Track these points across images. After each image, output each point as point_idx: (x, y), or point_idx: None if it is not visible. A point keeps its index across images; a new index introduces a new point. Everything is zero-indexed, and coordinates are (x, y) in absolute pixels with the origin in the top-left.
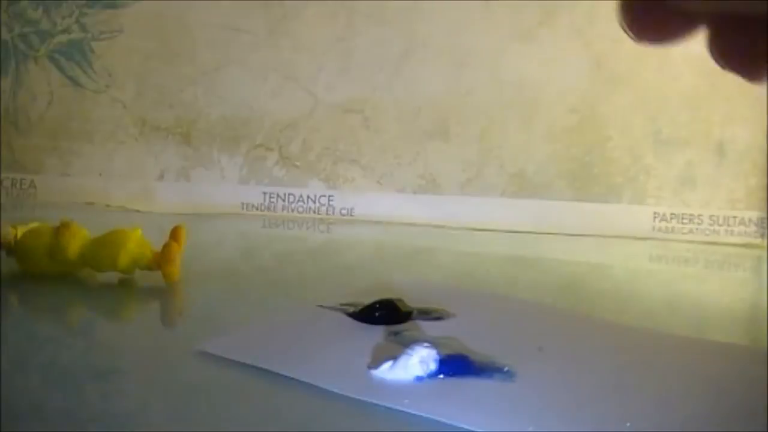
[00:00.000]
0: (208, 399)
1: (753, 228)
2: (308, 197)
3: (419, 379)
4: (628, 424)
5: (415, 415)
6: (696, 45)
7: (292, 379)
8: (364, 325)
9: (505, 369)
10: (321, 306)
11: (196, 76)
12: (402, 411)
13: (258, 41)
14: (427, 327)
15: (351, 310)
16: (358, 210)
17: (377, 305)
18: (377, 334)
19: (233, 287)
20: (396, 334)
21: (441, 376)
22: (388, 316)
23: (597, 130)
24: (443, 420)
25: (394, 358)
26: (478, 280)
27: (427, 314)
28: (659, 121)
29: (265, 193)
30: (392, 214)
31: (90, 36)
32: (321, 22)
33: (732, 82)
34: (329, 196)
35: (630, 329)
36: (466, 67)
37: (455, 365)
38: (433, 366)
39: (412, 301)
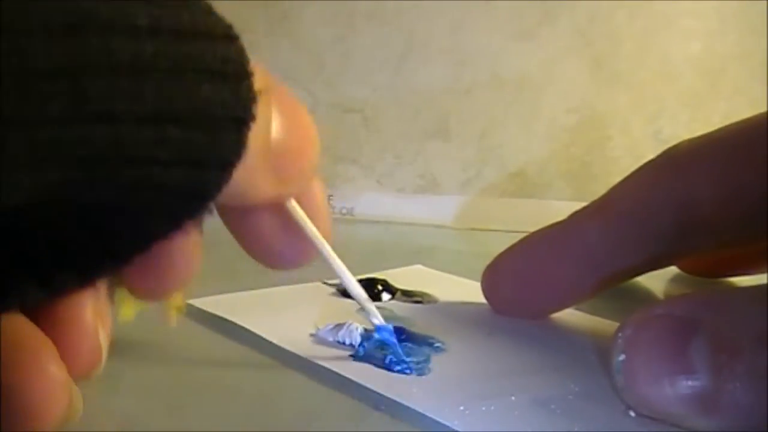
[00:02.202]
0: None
1: None
2: None
3: (350, 345)
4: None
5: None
6: (696, 45)
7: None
8: (343, 299)
9: (436, 345)
10: (325, 282)
11: None
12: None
13: (257, 41)
14: (401, 307)
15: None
16: (358, 209)
17: (361, 282)
18: (349, 307)
19: (229, 283)
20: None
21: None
22: (371, 294)
23: (597, 130)
24: (342, 373)
25: (337, 324)
26: (477, 280)
27: (410, 296)
28: (659, 121)
29: None
30: (392, 213)
31: None
32: (321, 22)
33: (732, 82)
34: (329, 195)
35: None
36: (466, 67)
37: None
38: (358, 338)
39: (402, 284)
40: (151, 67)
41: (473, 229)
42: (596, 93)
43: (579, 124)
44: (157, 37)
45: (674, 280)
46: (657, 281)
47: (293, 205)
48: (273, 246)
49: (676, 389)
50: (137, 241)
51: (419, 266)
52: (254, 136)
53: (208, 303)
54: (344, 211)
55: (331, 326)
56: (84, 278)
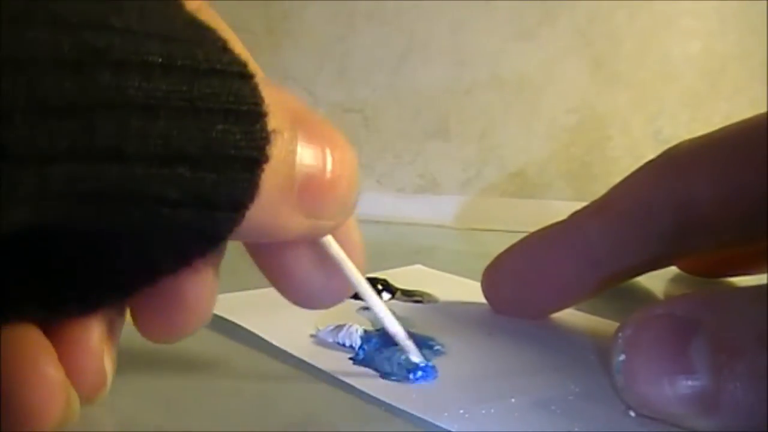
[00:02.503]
0: None
1: None
2: None
3: (351, 347)
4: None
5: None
6: (696, 45)
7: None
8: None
9: (436, 347)
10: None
11: None
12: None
13: (257, 41)
14: (401, 307)
15: None
16: (358, 210)
17: None
18: (349, 307)
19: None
20: (366, 309)
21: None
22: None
23: (597, 130)
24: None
25: (337, 325)
26: (477, 280)
27: (410, 296)
28: (659, 120)
29: None
30: (392, 213)
31: None
32: (321, 21)
33: (732, 82)
34: None
35: (603, 322)
36: (466, 67)
37: (388, 337)
38: (358, 340)
39: (402, 284)
40: (163, 105)
41: (473, 229)
42: (596, 93)
43: (579, 124)
44: (170, 75)
45: (674, 280)
46: (657, 281)
47: (329, 240)
48: (308, 285)
49: (676, 389)
50: (142, 275)
51: (419, 266)
52: (273, 173)
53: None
54: None
55: (331, 327)
56: (85, 305)
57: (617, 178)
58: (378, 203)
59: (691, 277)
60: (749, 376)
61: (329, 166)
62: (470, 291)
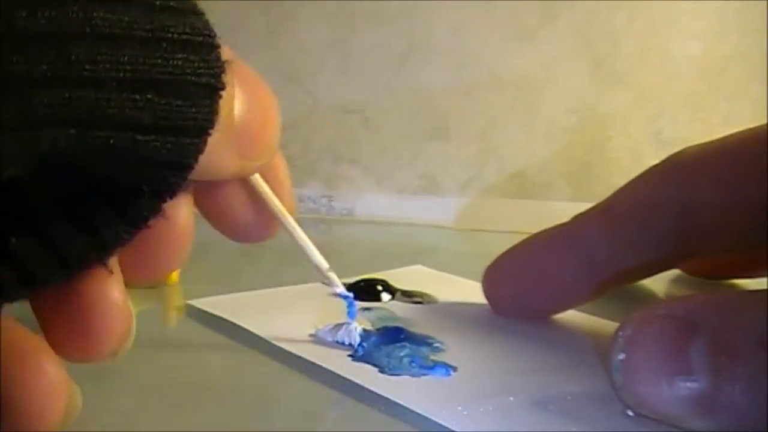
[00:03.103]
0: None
1: None
2: (308, 197)
3: (350, 345)
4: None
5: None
6: (696, 46)
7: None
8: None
9: (435, 345)
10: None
11: None
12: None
13: (257, 41)
14: (401, 307)
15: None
16: (358, 210)
17: (361, 283)
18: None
19: (229, 283)
20: (366, 309)
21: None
22: (365, 293)
23: (597, 130)
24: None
25: (336, 324)
26: (477, 281)
27: (410, 296)
28: (660, 121)
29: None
30: (392, 214)
31: None
32: (321, 22)
33: (732, 82)
34: (329, 196)
35: (602, 323)
36: (466, 68)
37: (388, 336)
38: (357, 338)
39: (402, 284)
40: (128, 36)
41: (473, 230)
42: (596, 93)
43: (579, 125)
44: (131, 9)
45: (675, 281)
46: (658, 282)
47: (257, 179)
48: (239, 220)
49: (675, 390)
50: (122, 229)
51: (419, 266)
52: (222, 103)
53: (208, 303)
54: (344, 211)
55: (330, 326)
56: (70, 270)
57: (617, 179)
58: (378, 204)
59: (692, 279)
60: (748, 378)
61: (258, 107)
62: (470, 291)
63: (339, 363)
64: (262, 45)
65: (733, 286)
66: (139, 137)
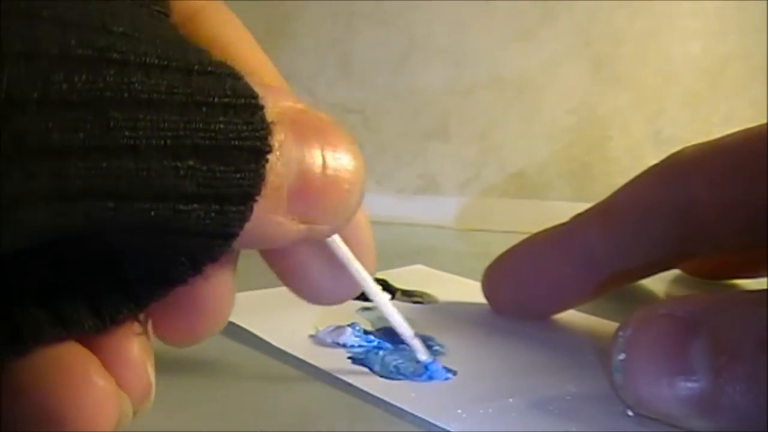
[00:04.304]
0: None
1: None
2: None
3: (350, 347)
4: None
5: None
6: (697, 46)
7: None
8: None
9: (435, 348)
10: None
11: None
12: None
13: (258, 41)
14: (401, 307)
15: None
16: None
17: None
18: (349, 307)
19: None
20: (366, 309)
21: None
22: (365, 293)
23: (597, 130)
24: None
25: (337, 326)
26: (477, 281)
27: (410, 296)
28: (659, 121)
29: None
30: (392, 214)
31: None
32: (320, 22)
33: (732, 82)
34: None
35: (602, 323)
36: (466, 67)
37: (388, 337)
38: (357, 340)
39: (402, 284)
40: (167, 101)
41: (473, 230)
42: (596, 93)
43: (579, 125)
44: (167, 74)
45: (676, 281)
46: (658, 282)
47: (335, 240)
48: (314, 283)
49: (675, 390)
50: (156, 285)
51: (419, 266)
52: (267, 171)
53: None
54: None
55: (331, 328)
56: (103, 320)
57: (617, 179)
58: (378, 203)
59: (692, 279)
60: (748, 379)
61: (322, 168)
62: (470, 291)
63: (338, 366)
64: (262, 45)
65: (733, 286)
66: (181, 207)
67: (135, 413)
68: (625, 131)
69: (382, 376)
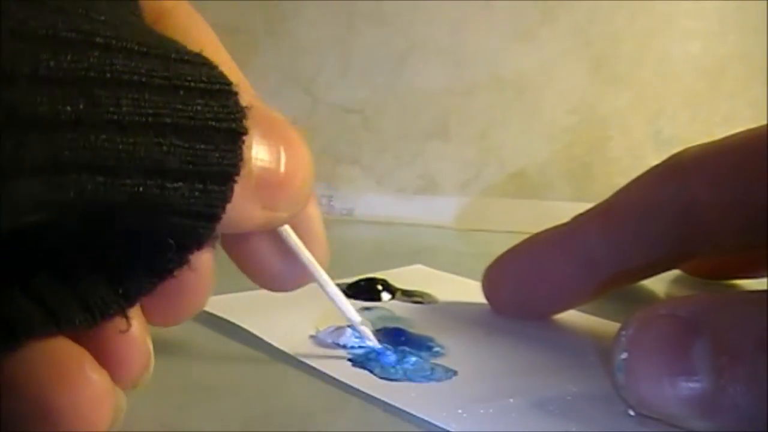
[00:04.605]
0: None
1: None
2: None
3: (350, 347)
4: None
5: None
6: (697, 45)
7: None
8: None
9: (435, 348)
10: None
11: None
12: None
13: (257, 42)
14: (401, 307)
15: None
16: (358, 210)
17: (361, 282)
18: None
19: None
20: (366, 309)
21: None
22: (365, 293)
23: (597, 130)
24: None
25: (337, 327)
26: (477, 281)
27: (410, 296)
28: (660, 120)
29: None
30: (392, 214)
31: None
32: (321, 22)
33: (732, 81)
34: (329, 196)
35: (603, 323)
36: (466, 67)
37: (388, 337)
38: (356, 341)
39: (402, 284)
40: (147, 83)
41: (473, 230)
42: (596, 93)
43: (579, 125)
44: (148, 59)
45: (675, 281)
46: (658, 282)
47: (287, 230)
48: (268, 270)
49: (677, 390)
50: (146, 279)
51: (419, 266)
52: (245, 148)
53: (209, 303)
54: (344, 211)
55: (331, 329)
56: (93, 315)
57: (617, 179)
58: (378, 204)
59: (692, 279)
60: (749, 379)
61: (283, 163)
62: (470, 291)
63: (338, 366)
64: (261, 45)
65: (733, 286)
66: (167, 184)
67: (135, 385)
68: (625, 131)
69: (382, 378)
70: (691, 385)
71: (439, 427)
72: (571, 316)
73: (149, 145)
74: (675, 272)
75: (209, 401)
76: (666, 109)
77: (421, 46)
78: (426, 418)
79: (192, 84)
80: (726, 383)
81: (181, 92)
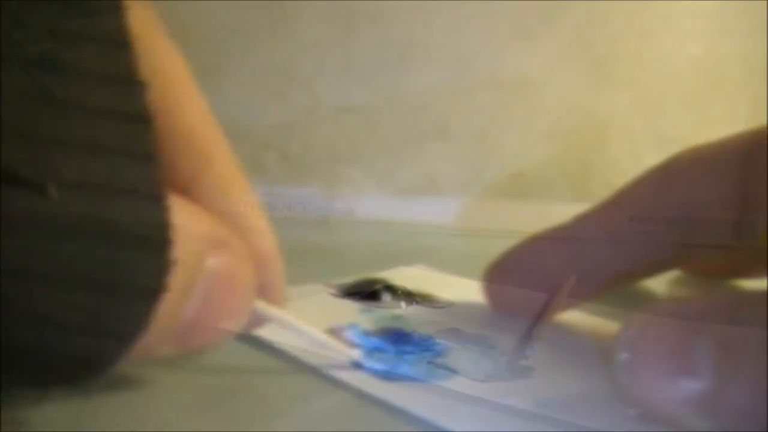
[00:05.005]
0: None
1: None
2: (308, 198)
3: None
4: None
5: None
6: (696, 45)
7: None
8: (343, 300)
9: (436, 348)
10: (330, 293)
11: (195, 77)
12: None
13: (257, 42)
14: (403, 309)
15: (356, 296)
16: (358, 211)
17: (362, 283)
18: (351, 309)
19: None
20: (367, 310)
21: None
22: (366, 294)
23: (597, 130)
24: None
25: (338, 328)
26: (477, 281)
27: (411, 297)
28: (660, 121)
29: (265, 194)
30: (392, 214)
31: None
32: (321, 22)
33: (732, 81)
34: (329, 196)
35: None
36: (466, 67)
37: (390, 338)
38: (359, 341)
39: (403, 284)
40: (74, 230)
41: (473, 230)
42: (596, 93)
43: (579, 125)
44: (83, 196)
45: (677, 281)
46: (659, 282)
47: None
48: None
49: (678, 390)
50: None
51: (419, 266)
52: (163, 304)
53: None
54: (344, 212)
55: (331, 329)
56: None
57: (617, 179)
58: (378, 204)
59: (694, 279)
60: (752, 379)
61: (218, 304)
62: (470, 291)
63: (341, 367)
64: (261, 46)
65: (733, 286)
66: (61, 335)
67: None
68: (626, 132)
69: (383, 378)
70: (692, 385)
71: (441, 427)
72: (572, 315)
73: (53, 297)
74: (675, 272)
75: (210, 401)
76: (666, 110)
77: (421, 46)
78: (428, 418)
79: (124, 230)
80: (728, 383)
81: (109, 241)
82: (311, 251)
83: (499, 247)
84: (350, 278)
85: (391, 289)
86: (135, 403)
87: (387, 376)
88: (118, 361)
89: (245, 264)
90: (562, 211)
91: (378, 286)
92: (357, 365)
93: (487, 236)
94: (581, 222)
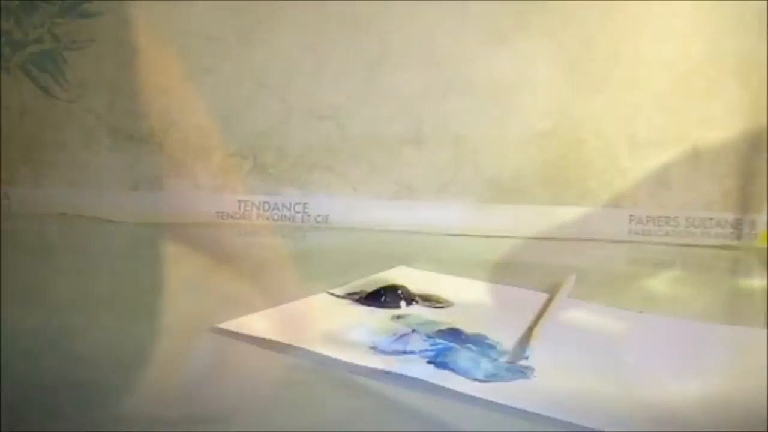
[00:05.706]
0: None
1: (729, 229)
2: (283, 205)
3: (420, 351)
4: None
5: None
6: (670, 48)
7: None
8: (352, 306)
9: (488, 341)
10: (330, 293)
11: (169, 84)
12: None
13: (231, 49)
14: (429, 312)
15: (357, 297)
16: (333, 217)
17: (382, 291)
18: (382, 316)
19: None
20: (399, 317)
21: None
22: (393, 301)
23: (572, 134)
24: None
25: (396, 334)
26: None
27: (428, 301)
28: (634, 123)
29: (240, 201)
30: (367, 220)
31: (62, 45)
32: (293, 28)
33: (706, 83)
34: (304, 203)
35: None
36: (440, 72)
37: (449, 338)
38: (422, 343)
39: (407, 284)
40: None
41: (449, 235)
42: (570, 97)
43: (554, 129)
44: None
45: (677, 281)
46: (659, 282)
47: None
48: None
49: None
50: None
51: (402, 267)
52: None
53: (235, 324)
54: (319, 218)
55: (393, 338)
56: None
57: (593, 182)
58: (353, 210)
59: (693, 279)
60: None
61: None
62: (471, 291)
63: (423, 370)
64: (234, 53)
65: (733, 285)
66: None
67: None
68: (601, 134)
69: (469, 375)
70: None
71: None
72: (578, 310)
73: None
74: (675, 272)
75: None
76: (640, 112)
77: (394, 51)
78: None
79: None
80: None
81: None
82: (287, 258)
83: (474, 252)
84: (350, 279)
85: (409, 295)
86: None
87: (470, 375)
88: None
89: None
90: (537, 215)
91: (397, 293)
92: (434, 364)
93: (462, 241)
94: None
